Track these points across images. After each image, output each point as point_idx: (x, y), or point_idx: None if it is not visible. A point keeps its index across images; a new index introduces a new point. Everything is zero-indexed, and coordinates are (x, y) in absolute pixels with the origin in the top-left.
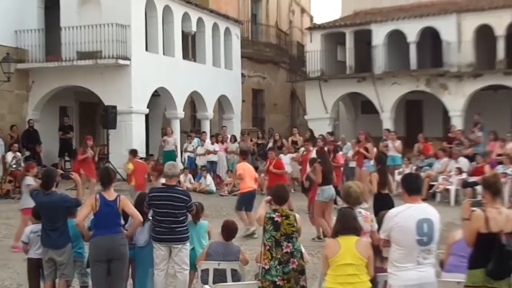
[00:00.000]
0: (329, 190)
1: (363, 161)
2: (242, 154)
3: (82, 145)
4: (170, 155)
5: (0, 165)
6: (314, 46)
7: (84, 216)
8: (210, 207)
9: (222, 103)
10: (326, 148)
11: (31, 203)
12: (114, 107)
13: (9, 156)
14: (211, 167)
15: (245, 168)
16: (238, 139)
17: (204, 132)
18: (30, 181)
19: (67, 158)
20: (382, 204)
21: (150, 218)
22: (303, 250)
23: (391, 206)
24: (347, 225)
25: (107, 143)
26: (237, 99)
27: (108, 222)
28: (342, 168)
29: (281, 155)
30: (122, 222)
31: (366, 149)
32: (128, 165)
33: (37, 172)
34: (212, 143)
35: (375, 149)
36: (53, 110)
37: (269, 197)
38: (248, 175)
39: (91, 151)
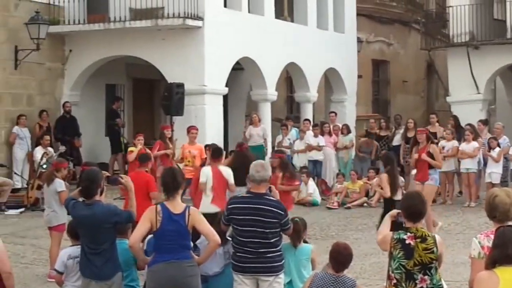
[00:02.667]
0: None
1: (428, 171)
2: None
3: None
4: (258, 152)
5: (25, 165)
6: None
7: (140, 235)
8: (314, 225)
9: (330, 80)
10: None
11: (63, 218)
12: (181, 86)
13: (38, 152)
14: (314, 168)
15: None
16: (353, 129)
17: (305, 120)
18: (61, 185)
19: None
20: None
21: (229, 238)
22: (445, 287)
23: None
24: (508, 251)
25: (171, 134)
26: (351, 73)
27: (173, 244)
28: None
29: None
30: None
31: (430, 154)
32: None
33: (69, 173)
34: (316, 136)
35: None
36: (98, 89)
37: (396, 210)
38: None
39: (171, 148)
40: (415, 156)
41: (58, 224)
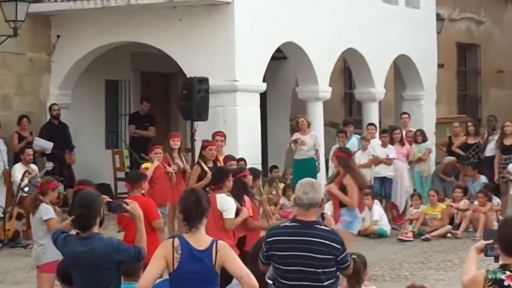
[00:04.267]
0: None
1: None
2: None
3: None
4: (307, 167)
5: (1, 187)
6: None
7: (152, 278)
8: (381, 262)
9: (402, 71)
10: None
11: (55, 253)
12: (204, 81)
13: (18, 171)
14: (381, 187)
15: None
16: (431, 136)
17: (369, 124)
18: (48, 211)
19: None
20: None
21: (270, 281)
22: None
23: None
24: None
25: (191, 144)
26: (429, 62)
27: None
28: None
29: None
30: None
31: None
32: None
33: (59, 197)
34: (384, 145)
35: None
36: (95, 87)
37: (484, 242)
38: None
39: (179, 162)
40: None
41: (49, 262)
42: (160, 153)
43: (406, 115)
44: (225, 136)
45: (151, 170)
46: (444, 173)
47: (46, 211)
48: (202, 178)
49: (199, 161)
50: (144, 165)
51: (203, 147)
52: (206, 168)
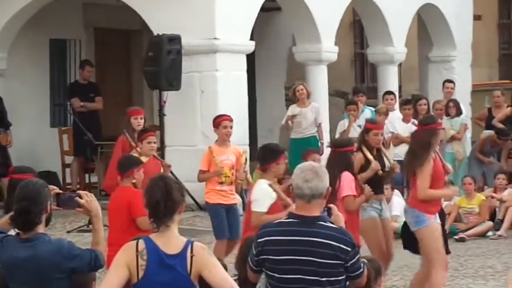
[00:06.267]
0: None
1: None
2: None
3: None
4: (307, 147)
5: None
6: None
7: None
8: (404, 269)
9: (427, 25)
10: None
11: None
12: (176, 40)
13: None
14: (403, 174)
15: None
16: (467, 107)
17: (387, 93)
18: None
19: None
20: None
21: None
22: None
23: None
24: None
25: (160, 120)
26: (462, 13)
27: None
28: None
29: None
30: None
31: None
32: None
33: None
34: (407, 120)
35: None
36: (38, 48)
37: None
38: None
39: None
40: None
41: None
42: (155, 143)
43: (452, 84)
44: (231, 120)
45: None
46: (481, 152)
47: None
48: (366, 169)
49: (361, 148)
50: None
51: (366, 130)
52: (370, 157)
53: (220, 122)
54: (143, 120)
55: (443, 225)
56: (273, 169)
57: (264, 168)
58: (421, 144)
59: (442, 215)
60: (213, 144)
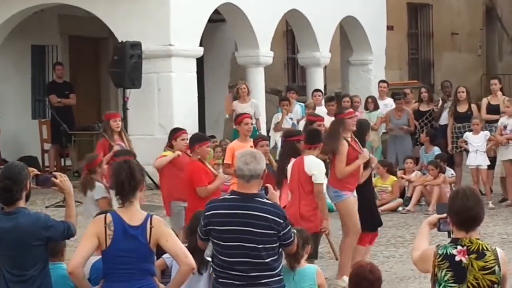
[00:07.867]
0: None
1: None
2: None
3: (104, 125)
4: None
5: None
6: None
7: (83, 257)
8: (326, 238)
9: (348, 34)
10: None
11: None
12: (137, 46)
13: None
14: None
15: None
16: (388, 101)
17: (315, 91)
18: None
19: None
20: None
21: (209, 259)
22: None
23: None
24: None
25: (124, 114)
26: (377, 24)
27: (130, 269)
28: None
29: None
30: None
31: None
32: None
33: None
34: (331, 114)
35: None
36: (20, 53)
37: (437, 216)
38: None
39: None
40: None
41: None
42: (187, 139)
43: (385, 84)
44: (251, 117)
45: (166, 159)
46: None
47: None
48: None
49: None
50: (164, 153)
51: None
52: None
53: (242, 119)
54: (121, 122)
55: (373, 201)
56: (319, 147)
57: (311, 147)
58: (332, 131)
59: (371, 193)
60: (235, 140)
